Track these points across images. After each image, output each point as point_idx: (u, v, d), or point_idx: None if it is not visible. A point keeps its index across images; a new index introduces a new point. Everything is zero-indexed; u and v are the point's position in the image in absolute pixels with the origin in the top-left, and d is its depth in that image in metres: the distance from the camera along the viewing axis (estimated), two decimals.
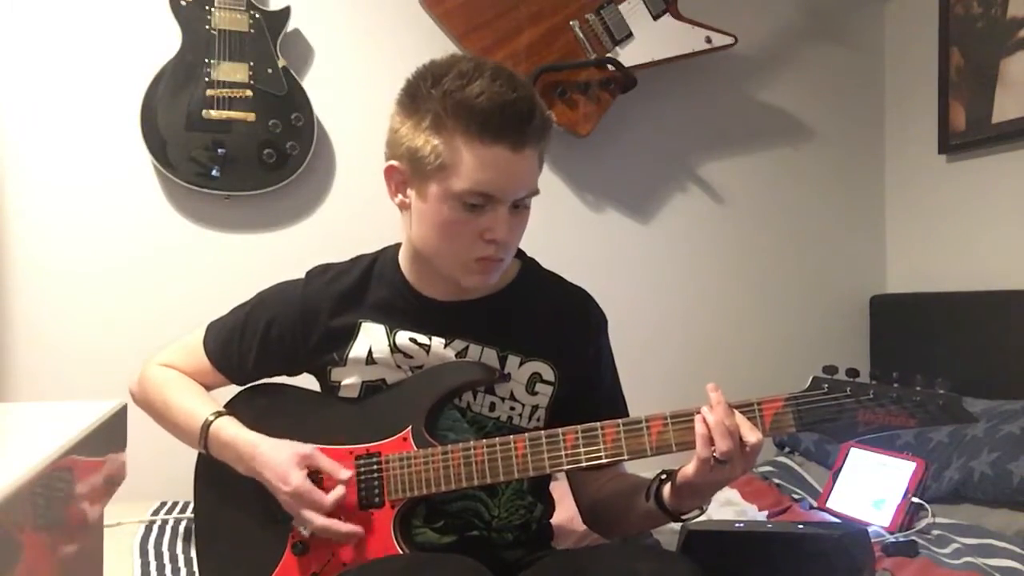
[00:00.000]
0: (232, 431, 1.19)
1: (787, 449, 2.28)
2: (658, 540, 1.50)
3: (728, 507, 1.90)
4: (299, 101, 2.19)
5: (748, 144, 2.64)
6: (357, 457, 1.17)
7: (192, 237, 2.21)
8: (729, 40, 2.41)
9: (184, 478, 1.30)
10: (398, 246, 1.29)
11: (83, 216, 2.15)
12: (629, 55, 2.36)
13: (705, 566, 1.04)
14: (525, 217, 1.17)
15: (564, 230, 2.43)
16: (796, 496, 1.97)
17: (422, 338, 1.22)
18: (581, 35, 2.33)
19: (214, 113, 2.12)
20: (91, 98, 2.16)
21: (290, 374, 1.33)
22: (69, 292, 2.13)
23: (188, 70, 2.12)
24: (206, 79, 2.12)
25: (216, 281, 2.18)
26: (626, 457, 1.10)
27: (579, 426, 1.11)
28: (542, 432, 1.12)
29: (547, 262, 1.33)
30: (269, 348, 1.27)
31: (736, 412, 1.06)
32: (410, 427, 1.17)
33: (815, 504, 1.90)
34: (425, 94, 1.11)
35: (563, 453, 1.11)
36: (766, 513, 1.86)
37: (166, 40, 2.12)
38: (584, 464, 1.10)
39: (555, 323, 1.25)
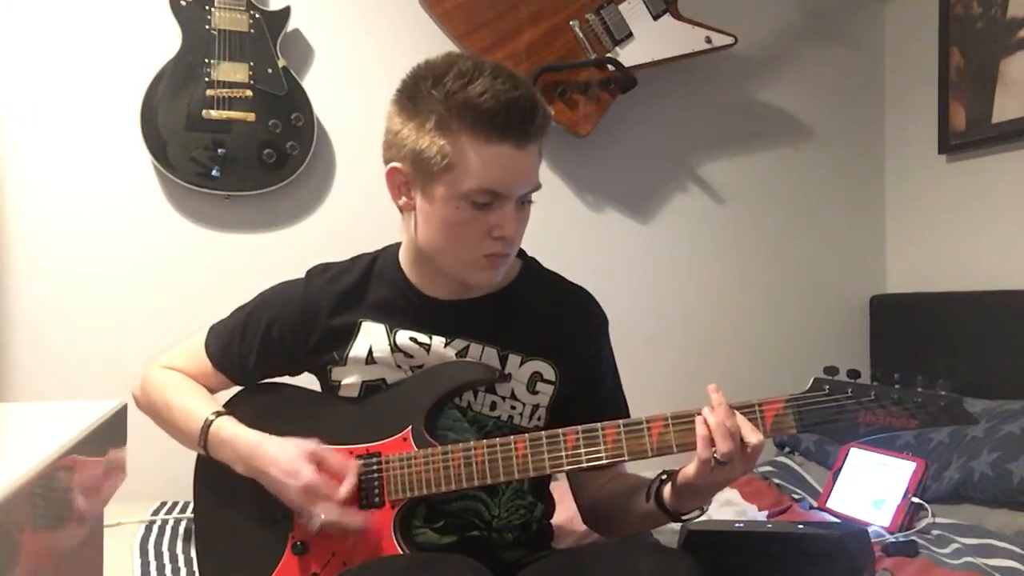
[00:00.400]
0: (232, 430, 1.19)
1: (787, 449, 2.28)
2: (658, 540, 1.50)
3: (728, 507, 1.90)
4: (299, 101, 2.19)
5: (748, 144, 2.64)
6: (357, 457, 1.17)
7: (192, 237, 2.21)
8: (729, 40, 2.41)
9: (184, 478, 1.30)
10: (398, 245, 1.29)
11: (83, 216, 2.15)
12: (629, 55, 2.36)
13: (705, 566, 1.04)
14: (527, 213, 1.18)
15: (564, 230, 2.43)
16: (796, 496, 1.97)
17: (422, 337, 1.22)
18: (581, 35, 2.34)
19: (214, 113, 2.12)
20: (91, 98, 2.16)
21: (291, 374, 1.33)
22: (69, 292, 2.13)
23: (188, 70, 2.12)
24: (206, 79, 2.12)
25: (216, 281, 2.18)
26: (627, 458, 1.10)
27: (580, 427, 1.11)
28: (542, 432, 1.12)
29: (547, 262, 1.33)
30: (270, 348, 1.27)
31: (737, 413, 1.06)
32: (410, 427, 1.17)
33: (815, 504, 1.90)
34: (426, 95, 1.10)
35: (564, 454, 1.11)
36: (766, 513, 1.86)
37: (166, 40, 2.12)
38: (585, 465, 1.10)
39: (556, 322, 1.26)
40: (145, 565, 1.59)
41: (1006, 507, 1.70)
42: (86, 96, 2.15)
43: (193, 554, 1.32)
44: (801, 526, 1.46)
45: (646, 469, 1.18)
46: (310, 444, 1.15)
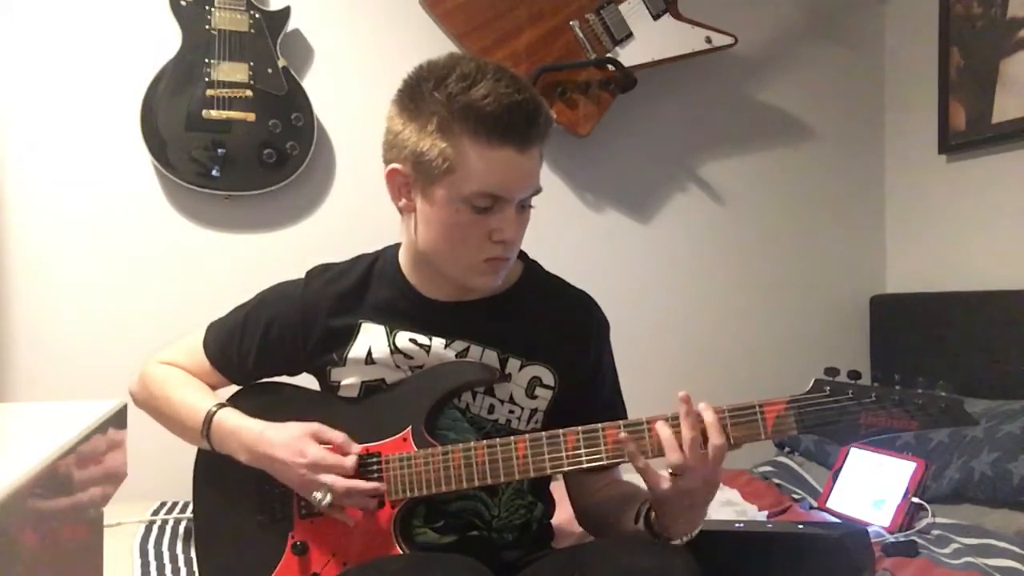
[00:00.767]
0: (235, 420, 1.19)
1: (787, 449, 2.28)
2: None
3: (728, 507, 1.90)
4: (299, 101, 2.19)
5: (748, 144, 2.64)
6: (357, 457, 1.17)
7: (192, 237, 2.21)
8: (729, 40, 2.41)
9: (184, 478, 1.30)
10: (398, 246, 1.28)
11: (83, 216, 2.15)
12: (629, 55, 2.36)
13: (705, 566, 1.04)
14: (528, 216, 1.17)
15: (564, 230, 2.43)
16: (796, 496, 1.97)
17: (422, 339, 1.22)
18: (581, 35, 2.34)
19: (214, 113, 2.12)
20: (91, 98, 2.16)
21: (290, 374, 1.33)
22: (69, 292, 2.13)
23: (188, 70, 2.12)
24: (206, 79, 2.12)
25: (216, 281, 2.18)
26: (627, 459, 1.10)
27: (580, 427, 1.11)
28: (543, 433, 1.12)
29: (547, 262, 1.33)
30: (269, 348, 1.27)
31: (707, 416, 1.05)
32: (410, 427, 1.17)
33: (815, 504, 1.90)
34: (428, 96, 1.10)
35: (564, 454, 1.11)
36: (766, 513, 1.86)
37: (166, 40, 2.12)
38: (585, 465, 1.10)
39: (557, 328, 1.25)
40: (145, 565, 1.59)
41: (1006, 507, 1.70)
42: (86, 96, 2.15)
43: (193, 554, 1.32)
44: (801, 526, 1.46)
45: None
46: (311, 424, 1.16)
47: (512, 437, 1.12)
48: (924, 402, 1.05)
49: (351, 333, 1.24)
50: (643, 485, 1.10)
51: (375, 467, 1.16)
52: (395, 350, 1.22)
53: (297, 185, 2.23)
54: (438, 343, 1.21)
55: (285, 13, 2.20)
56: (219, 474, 1.21)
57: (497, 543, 1.21)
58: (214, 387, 1.31)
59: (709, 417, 1.05)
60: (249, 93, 2.14)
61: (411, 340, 1.22)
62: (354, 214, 2.25)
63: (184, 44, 2.12)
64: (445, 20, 2.30)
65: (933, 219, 2.55)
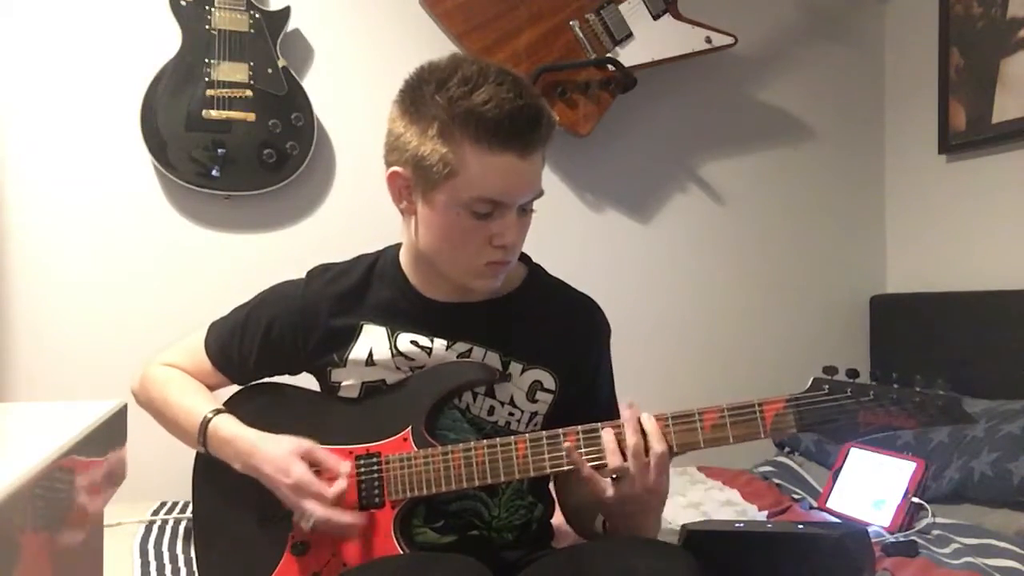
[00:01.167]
0: (231, 428, 1.19)
1: (787, 449, 2.28)
2: (658, 540, 1.49)
3: (728, 507, 1.91)
4: (299, 101, 2.19)
5: (748, 144, 2.64)
6: (357, 457, 1.17)
7: (192, 237, 2.21)
8: (729, 40, 2.41)
9: (184, 478, 1.30)
10: (398, 246, 1.28)
11: (83, 216, 2.15)
12: (629, 55, 2.36)
13: (705, 566, 1.04)
14: (529, 219, 1.17)
15: (564, 230, 2.43)
16: (796, 496, 1.97)
17: (424, 340, 1.22)
18: (581, 35, 2.34)
19: (214, 113, 2.12)
20: (91, 99, 2.16)
21: (290, 374, 1.33)
22: (69, 292, 2.13)
23: (188, 70, 2.12)
24: (206, 79, 2.12)
25: (216, 281, 2.18)
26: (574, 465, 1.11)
27: (580, 427, 1.11)
28: (543, 433, 1.12)
29: (547, 262, 1.33)
30: (270, 348, 1.27)
31: (648, 424, 1.08)
32: (410, 427, 1.17)
33: (815, 504, 1.90)
34: (429, 100, 1.09)
35: (564, 454, 1.11)
36: (766, 513, 1.86)
37: (166, 40, 2.12)
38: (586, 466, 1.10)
39: (559, 332, 1.25)
40: (145, 565, 1.59)
41: (1006, 507, 1.70)
42: (86, 97, 2.16)
43: (193, 554, 1.32)
44: (801, 526, 1.46)
45: None
46: (304, 443, 1.15)
47: (512, 437, 1.12)
48: (922, 400, 1.05)
49: (352, 334, 1.24)
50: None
51: (375, 467, 1.16)
52: (396, 352, 1.21)
53: (297, 185, 2.23)
54: (439, 345, 1.21)
55: (285, 13, 2.20)
56: (219, 474, 1.21)
57: (497, 543, 1.21)
58: (215, 387, 1.31)
59: (650, 425, 1.08)
60: (249, 93, 2.14)
61: (412, 342, 1.22)
62: (354, 214, 2.25)
63: (184, 44, 2.12)
64: (445, 20, 2.30)
65: (933, 219, 2.55)
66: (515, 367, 1.21)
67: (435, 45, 2.26)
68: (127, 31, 2.18)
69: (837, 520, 1.80)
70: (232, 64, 2.14)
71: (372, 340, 1.23)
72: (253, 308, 1.31)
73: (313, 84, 2.24)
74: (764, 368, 2.53)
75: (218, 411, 1.22)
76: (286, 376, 1.33)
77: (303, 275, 1.31)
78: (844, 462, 1.92)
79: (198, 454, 1.27)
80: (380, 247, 1.32)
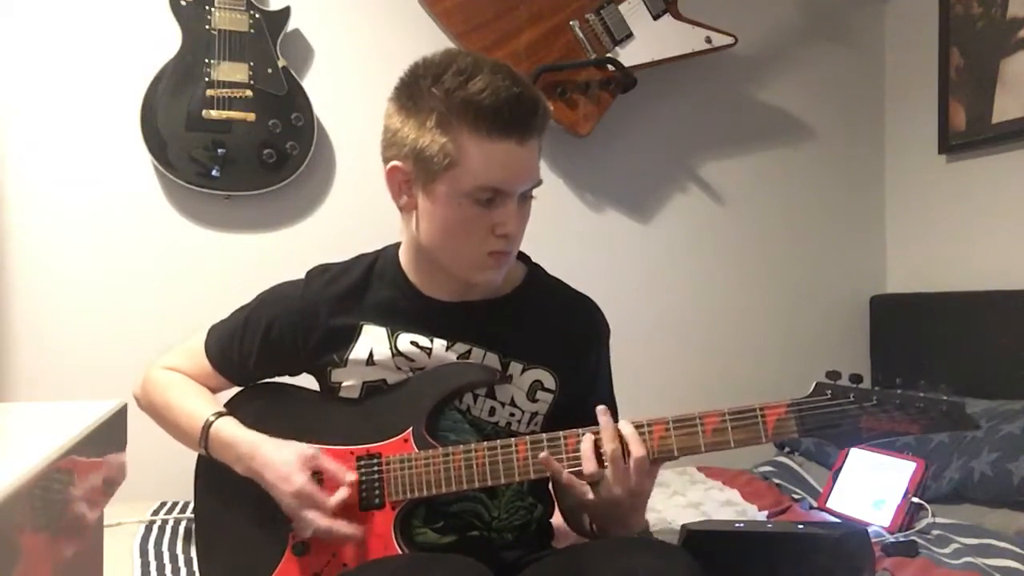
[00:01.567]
0: (232, 431, 1.19)
1: (787, 449, 2.28)
2: (658, 540, 1.49)
3: (728, 507, 1.91)
4: (299, 101, 2.19)
5: (748, 144, 2.64)
6: (358, 458, 1.17)
7: (192, 237, 2.21)
8: (729, 40, 2.41)
9: (184, 478, 1.30)
10: (398, 245, 1.28)
11: (83, 216, 2.15)
12: (629, 55, 2.36)
13: (705, 566, 1.04)
14: (529, 209, 1.17)
15: (564, 230, 2.43)
16: (796, 496, 1.97)
17: (424, 341, 1.21)
18: (581, 35, 2.33)
19: (214, 113, 2.12)
20: (91, 99, 2.16)
21: (291, 374, 1.33)
22: (69, 292, 2.13)
23: (188, 70, 2.12)
24: (206, 79, 2.12)
25: (216, 281, 2.18)
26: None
27: (580, 429, 1.11)
28: (543, 435, 1.12)
29: (547, 262, 1.33)
30: (270, 349, 1.27)
31: (625, 430, 1.09)
32: (411, 428, 1.17)
33: (815, 504, 1.90)
34: (426, 93, 1.10)
35: (564, 456, 1.11)
36: (766, 513, 1.86)
37: (166, 40, 2.12)
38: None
39: (559, 331, 1.25)
40: (145, 565, 1.59)
41: (1006, 507, 1.70)
42: (86, 97, 2.15)
43: (193, 554, 1.32)
44: (801, 526, 1.46)
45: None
46: (308, 449, 1.15)
47: (513, 439, 1.12)
48: (925, 405, 1.05)
49: (352, 334, 1.24)
50: None
51: (376, 468, 1.16)
52: (396, 352, 1.21)
53: (297, 185, 2.23)
54: (439, 345, 1.21)
55: (285, 13, 2.20)
56: (220, 474, 1.21)
57: (497, 543, 1.21)
58: (216, 390, 1.31)
59: (627, 430, 1.09)
60: (249, 93, 2.14)
61: (412, 343, 1.21)
62: (354, 214, 2.25)
63: (184, 44, 2.12)
64: (445, 19, 2.30)
65: (933, 219, 2.55)
66: (515, 367, 1.21)
67: (435, 45, 2.24)
68: (127, 31, 2.18)
69: (837, 520, 1.80)
70: (232, 64, 2.14)
71: (372, 340, 1.23)
72: (253, 309, 1.31)
73: (313, 84, 2.24)
74: (764, 368, 2.53)
75: (220, 414, 1.22)
76: (286, 377, 1.33)
77: (303, 276, 1.31)
78: (844, 462, 1.92)
79: (200, 454, 1.27)
80: (380, 247, 1.32)
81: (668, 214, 2.57)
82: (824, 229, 2.70)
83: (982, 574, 1.44)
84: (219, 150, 2.12)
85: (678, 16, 2.39)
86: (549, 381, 1.22)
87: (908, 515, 1.74)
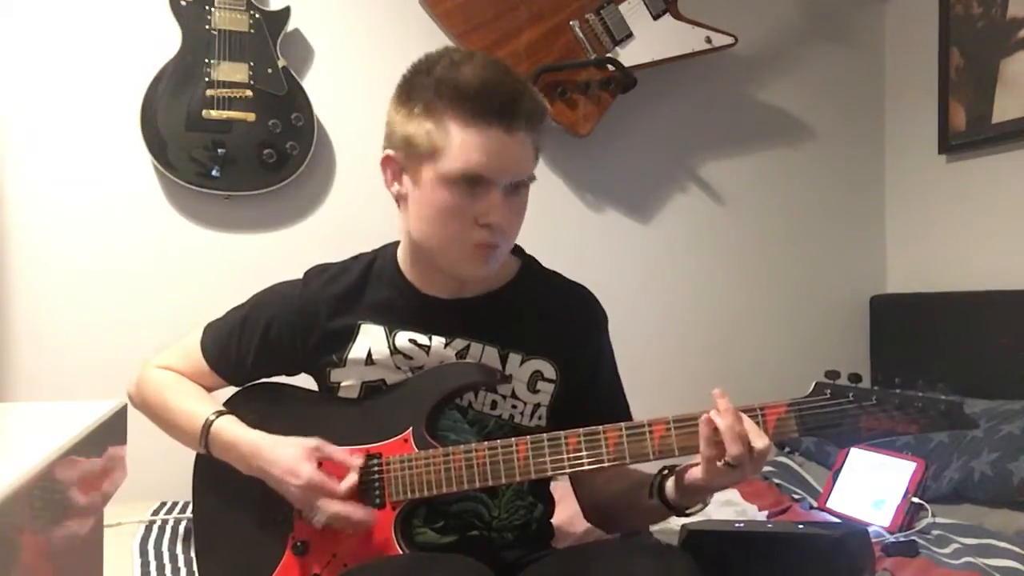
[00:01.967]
0: (233, 430, 1.19)
1: (787, 449, 2.28)
2: (658, 540, 1.50)
3: (728, 507, 1.90)
4: (299, 101, 2.19)
5: (748, 144, 2.64)
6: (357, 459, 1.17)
7: (192, 237, 2.21)
8: (729, 40, 2.41)
9: (184, 478, 1.30)
10: (397, 244, 1.28)
11: (83, 216, 2.15)
12: (629, 55, 2.36)
13: (705, 566, 1.04)
14: (522, 204, 1.16)
15: (564, 230, 2.43)
16: (796, 496, 1.97)
17: (422, 338, 1.22)
18: (581, 35, 2.33)
19: (214, 113, 2.12)
20: (91, 99, 2.16)
21: (288, 374, 1.32)
22: (69, 292, 2.13)
23: (188, 70, 2.12)
24: (206, 79, 2.12)
25: (216, 281, 2.18)
26: (628, 461, 1.10)
27: (581, 429, 1.11)
28: (544, 435, 1.12)
29: (547, 262, 1.33)
30: (267, 349, 1.27)
31: (745, 417, 1.05)
32: (411, 428, 1.17)
33: (815, 504, 1.90)
34: (418, 84, 1.13)
35: (565, 456, 1.11)
36: (766, 513, 1.86)
37: (166, 40, 2.12)
38: (586, 468, 1.10)
39: (556, 321, 1.25)
40: (145, 565, 1.59)
41: (1006, 507, 1.70)
42: (86, 97, 2.15)
43: (193, 554, 1.32)
44: (801, 526, 1.46)
45: (649, 466, 1.18)
46: (311, 441, 1.15)
47: (513, 439, 1.12)
48: (924, 405, 1.05)
49: (350, 334, 1.24)
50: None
51: (376, 468, 1.16)
52: (395, 350, 1.21)
53: (297, 185, 2.23)
54: (438, 342, 1.21)
55: (285, 13, 2.20)
56: (219, 474, 1.21)
57: (497, 543, 1.21)
58: (211, 389, 1.31)
59: (747, 422, 1.05)
60: (249, 93, 2.14)
61: (411, 340, 1.22)
62: (354, 214, 2.25)
63: (184, 44, 2.12)
64: (445, 20, 2.30)
65: (933, 219, 2.55)
66: (514, 358, 1.21)
67: (435, 45, 2.22)
68: (127, 31, 2.18)
69: (837, 520, 1.80)
70: (232, 64, 2.14)
71: (370, 339, 1.23)
72: (250, 309, 1.30)
73: (313, 84, 2.24)
74: (764, 368, 2.53)
75: (220, 413, 1.21)
76: (284, 376, 1.33)
77: (301, 275, 1.31)
78: (844, 462, 1.92)
79: (198, 454, 1.26)
80: (379, 247, 1.32)
81: (668, 214, 2.57)
82: (824, 229, 2.70)
83: (982, 574, 1.44)
84: (219, 150, 2.12)
85: (678, 16, 2.39)
86: (549, 371, 1.22)
87: (908, 515, 1.74)
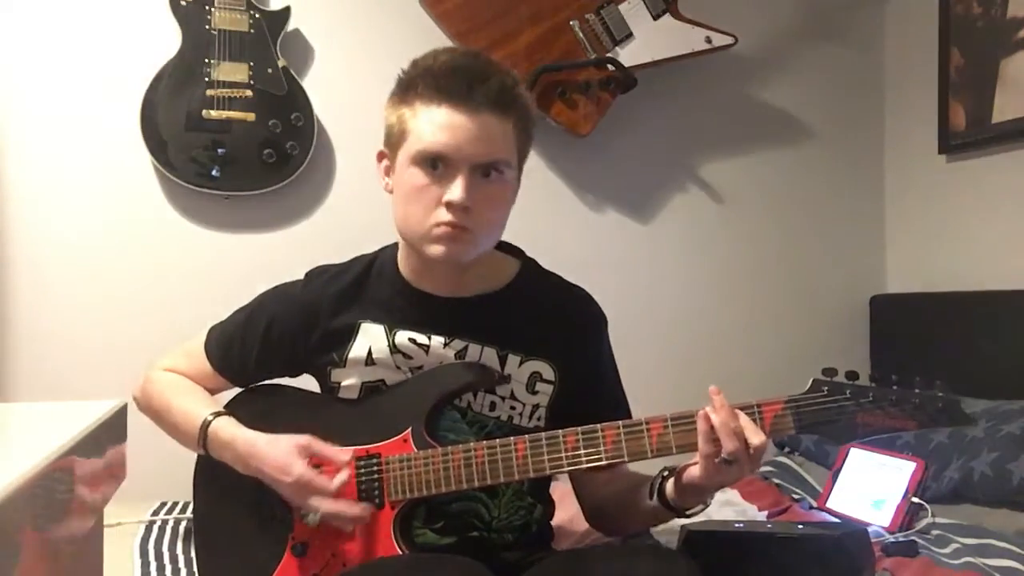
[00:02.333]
0: (231, 431, 1.19)
1: (787, 449, 2.28)
2: (658, 541, 1.50)
3: (728, 507, 1.90)
4: (299, 101, 2.19)
5: (748, 144, 2.64)
6: (357, 458, 1.17)
7: (192, 237, 2.21)
8: (729, 40, 2.41)
9: (184, 478, 1.30)
10: (396, 245, 1.29)
11: (83, 216, 2.15)
12: (629, 55, 2.36)
13: (705, 566, 1.04)
14: (496, 191, 1.15)
15: (564, 230, 2.43)
16: (796, 496, 1.97)
17: (421, 338, 1.22)
18: (581, 35, 2.33)
19: (214, 113, 2.12)
20: (91, 98, 2.16)
21: (291, 375, 1.33)
22: (69, 292, 2.13)
23: (188, 70, 2.12)
24: (206, 79, 2.12)
25: (216, 281, 2.18)
26: (626, 459, 1.10)
27: (579, 428, 1.11)
28: (542, 434, 1.12)
29: (547, 262, 1.33)
30: (270, 349, 1.27)
31: (741, 414, 1.05)
32: (410, 428, 1.17)
33: (815, 504, 1.90)
34: (403, 76, 1.17)
35: (563, 455, 1.11)
36: (766, 513, 1.86)
37: (166, 40, 2.12)
38: (584, 466, 1.11)
39: (554, 322, 1.26)
40: (145, 565, 1.59)
41: (1006, 507, 1.69)
42: (87, 96, 2.15)
43: (193, 554, 1.33)
44: (801, 526, 1.46)
45: (649, 468, 1.18)
46: (302, 439, 1.15)
47: (512, 438, 1.12)
48: (921, 401, 1.06)
49: (351, 333, 1.24)
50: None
51: (375, 468, 1.16)
52: (395, 349, 1.22)
53: (297, 185, 2.23)
54: (437, 342, 1.21)
55: (285, 13, 2.20)
56: (219, 474, 1.22)
57: (497, 544, 1.21)
58: (216, 390, 1.31)
59: (743, 418, 1.06)
60: (249, 93, 2.14)
61: (410, 339, 1.22)
62: (354, 214, 2.25)
63: (184, 44, 2.12)
64: (445, 20, 2.30)
65: (933, 219, 2.54)
66: (512, 360, 1.22)
67: (435, 45, 2.22)
68: (127, 31, 2.18)
69: (837, 520, 1.80)
70: (232, 64, 2.14)
71: (371, 338, 1.23)
72: (253, 310, 1.31)
73: (313, 84, 2.24)
74: (764, 368, 2.53)
75: (218, 413, 1.22)
76: (286, 377, 1.33)
77: (302, 276, 1.31)
78: (844, 462, 1.92)
79: (199, 455, 1.27)
80: (379, 247, 1.33)
81: (668, 214, 2.57)
82: (824, 229, 2.70)
83: (982, 574, 1.44)
84: (219, 150, 2.12)
85: (678, 16, 2.39)
86: (548, 372, 1.23)
87: (908, 515, 1.74)
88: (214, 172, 2.12)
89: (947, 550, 1.57)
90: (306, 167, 2.20)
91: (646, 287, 2.53)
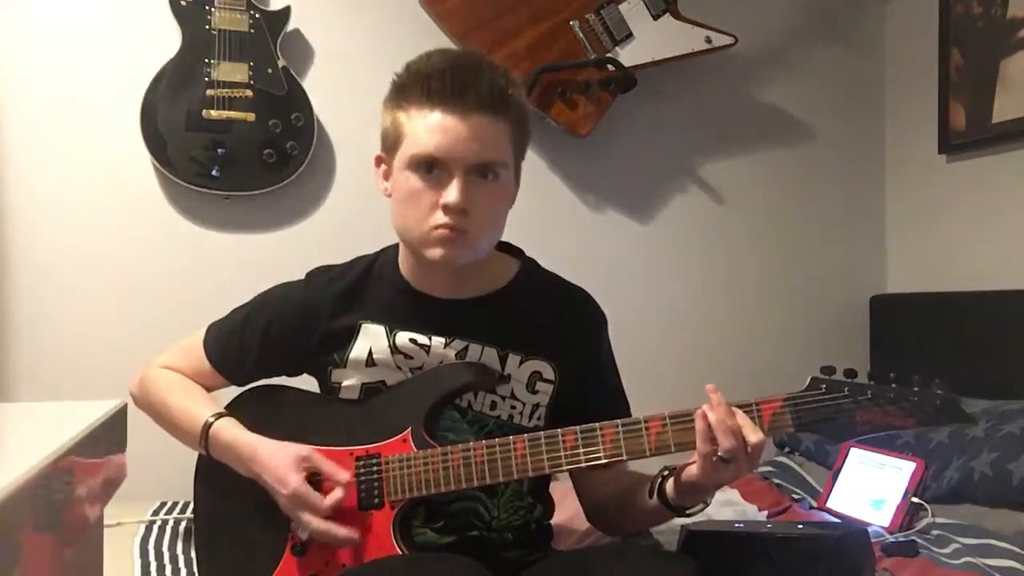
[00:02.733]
0: (232, 432, 1.19)
1: (787, 449, 2.28)
2: (658, 540, 1.50)
3: (728, 507, 1.90)
4: (299, 101, 2.19)
5: (748, 144, 2.64)
6: (357, 458, 1.17)
7: (192, 237, 2.21)
8: (729, 40, 2.41)
9: (184, 478, 1.30)
10: (397, 245, 1.29)
11: (83, 216, 2.15)
12: (629, 55, 2.36)
13: (705, 566, 1.04)
14: (492, 191, 1.15)
15: (564, 230, 2.43)
16: (796, 496, 1.97)
17: (422, 338, 1.22)
18: (581, 35, 2.33)
19: (214, 113, 2.12)
20: (91, 98, 2.16)
21: (290, 375, 1.33)
22: (69, 292, 2.13)
23: (188, 70, 2.12)
24: (206, 79, 2.12)
25: (216, 281, 2.18)
26: (625, 458, 1.10)
27: (578, 427, 1.11)
28: (541, 433, 1.12)
29: (547, 262, 1.33)
30: (269, 349, 1.27)
31: (738, 412, 1.05)
32: (410, 428, 1.17)
33: (815, 504, 1.90)
34: (397, 79, 1.17)
35: (562, 454, 1.11)
36: (766, 513, 1.86)
37: (166, 40, 2.12)
38: (583, 465, 1.11)
39: (554, 322, 1.26)
40: (145, 565, 1.59)
41: (1006, 507, 1.69)
42: (87, 96, 2.15)
43: (193, 554, 1.32)
44: (801, 526, 1.46)
45: (649, 468, 1.18)
46: (303, 451, 1.15)
47: (511, 437, 1.13)
48: (920, 399, 1.05)
49: (351, 334, 1.24)
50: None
51: (375, 468, 1.16)
52: (395, 350, 1.22)
53: (297, 185, 2.23)
54: (437, 342, 1.21)
55: (285, 13, 2.20)
56: (219, 474, 1.22)
57: (496, 543, 1.21)
58: (213, 389, 1.31)
59: (740, 416, 1.05)
60: (249, 93, 2.14)
61: (411, 340, 1.22)
62: (354, 214, 2.25)
63: (184, 44, 2.12)
64: (445, 20, 2.30)
65: (933, 219, 2.54)
66: (513, 359, 1.22)
67: (435, 45, 2.22)
68: (127, 31, 2.18)
69: (837, 520, 1.80)
70: (232, 64, 2.14)
71: (371, 339, 1.23)
72: (253, 309, 1.31)
73: (313, 84, 2.24)
74: (764, 368, 2.52)
75: (219, 415, 1.22)
76: (285, 377, 1.33)
77: (303, 276, 1.31)
78: (844, 462, 1.92)
79: (200, 454, 1.27)
80: (380, 247, 1.33)
81: (668, 214, 2.57)
82: (824, 229, 2.70)
83: (982, 574, 1.44)
84: (219, 150, 2.12)
85: (678, 16, 2.39)
86: (548, 372, 1.23)
87: (908, 515, 1.74)
88: (214, 172, 2.12)
89: (947, 550, 1.57)
90: (306, 167, 2.20)
91: (646, 287, 2.53)
